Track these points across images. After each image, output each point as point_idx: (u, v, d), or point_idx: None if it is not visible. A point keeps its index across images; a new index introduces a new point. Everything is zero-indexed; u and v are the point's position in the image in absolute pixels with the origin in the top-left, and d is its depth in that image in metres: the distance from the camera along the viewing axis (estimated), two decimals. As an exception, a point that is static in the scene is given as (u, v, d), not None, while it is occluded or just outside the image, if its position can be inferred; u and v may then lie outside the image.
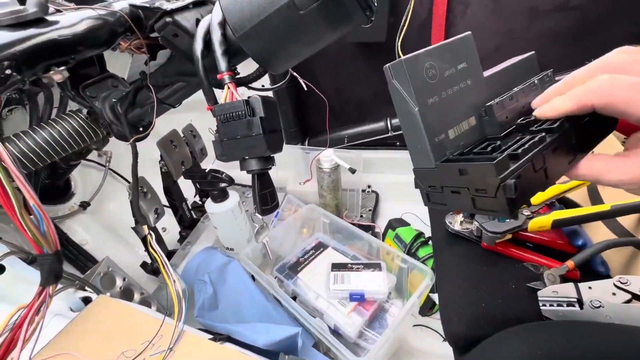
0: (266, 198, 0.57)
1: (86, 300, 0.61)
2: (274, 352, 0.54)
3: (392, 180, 1.26)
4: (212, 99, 0.52)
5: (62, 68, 0.42)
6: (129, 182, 1.17)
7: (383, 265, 0.78)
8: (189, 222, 1.11)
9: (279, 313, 0.70)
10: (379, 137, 1.10)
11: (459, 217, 0.63)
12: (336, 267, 0.78)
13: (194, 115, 1.04)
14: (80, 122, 0.65)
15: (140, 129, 0.69)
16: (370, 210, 1.22)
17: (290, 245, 0.97)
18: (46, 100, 0.74)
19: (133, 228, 0.64)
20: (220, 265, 0.77)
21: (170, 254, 1.00)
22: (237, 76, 0.52)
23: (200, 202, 1.18)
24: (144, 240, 0.82)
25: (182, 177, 0.89)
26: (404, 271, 0.78)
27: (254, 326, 0.57)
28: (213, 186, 0.76)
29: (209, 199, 0.81)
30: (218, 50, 0.49)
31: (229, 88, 0.50)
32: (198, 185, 0.84)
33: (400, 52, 0.96)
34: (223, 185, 0.75)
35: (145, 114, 0.66)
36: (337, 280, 0.75)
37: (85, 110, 0.67)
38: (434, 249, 0.70)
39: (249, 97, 0.50)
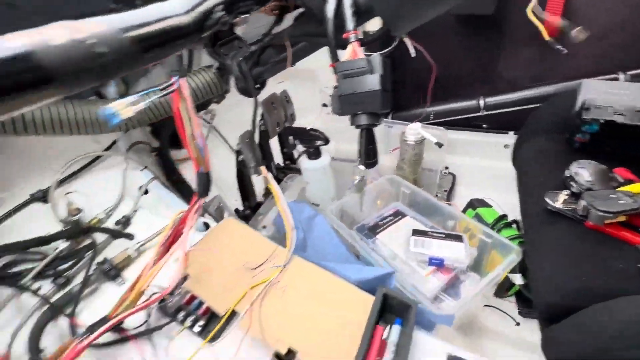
0: (370, 152, 0.63)
1: (206, 225, 0.74)
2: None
3: (472, 164, 1.23)
4: (335, 57, 0.58)
5: (245, 16, 0.50)
6: (226, 140, 1.32)
7: (464, 237, 0.79)
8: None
9: (364, 264, 0.76)
10: (467, 116, 1.07)
11: (562, 196, 0.62)
12: (417, 232, 0.82)
13: (285, 85, 1.13)
14: (213, 75, 0.76)
15: (257, 85, 0.78)
16: (445, 191, 1.21)
17: (364, 213, 1.02)
18: (179, 58, 0.88)
19: (252, 167, 0.74)
20: (308, 216, 0.85)
21: (258, 205, 1.13)
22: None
23: (283, 165, 1.29)
24: (242, 183, 0.94)
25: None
26: (486, 246, 0.78)
27: (345, 265, 0.64)
28: (311, 143, 0.83)
29: (304, 156, 0.89)
30: (348, 10, 0.54)
31: (353, 46, 0.56)
32: (297, 142, 0.91)
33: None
34: (320, 143, 0.82)
35: (264, 72, 0.75)
36: (418, 244, 0.78)
37: (215, 66, 0.78)
38: (525, 225, 0.69)
39: (369, 55, 0.55)
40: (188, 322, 0.50)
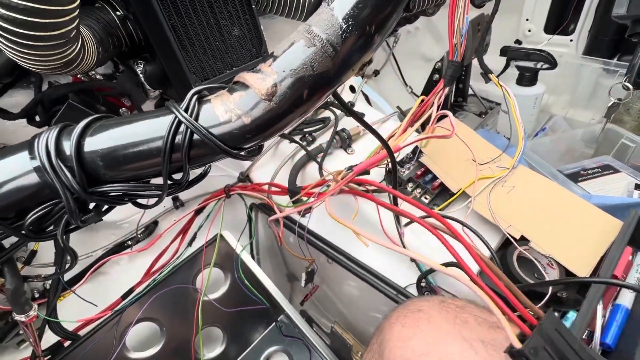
0: (646, 69, 0.54)
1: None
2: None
3: None
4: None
5: None
6: (400, 69, 1.33)
7: None
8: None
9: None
10: None
11: None
12: (642, 188, 0.70)
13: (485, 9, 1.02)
14: None
15: None
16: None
17: (551, 162, 0.92)
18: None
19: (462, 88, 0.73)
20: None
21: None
22: None
23: (456, 102, 1.24)
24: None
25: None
26: None
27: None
28: (529, 64, 0.76)
29: (513, 82, 0.83)
30: None
31: None
32: (515, 64, 0.83)
33: None
34: (544, 66, 0.74)
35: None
36: (643, 199, 0.67)
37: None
38: None
39: None
40: (417, 193, 0.56)
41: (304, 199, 0.59)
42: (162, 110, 0.21)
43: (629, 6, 0.50)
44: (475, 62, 0.87)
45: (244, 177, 0.72)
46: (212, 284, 0.71)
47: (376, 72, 1.20)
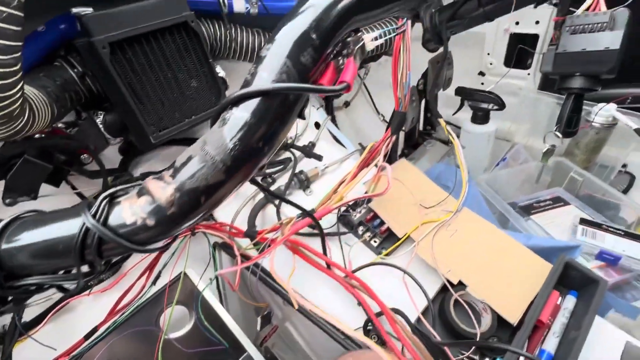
0: (572, 120, 0.58)
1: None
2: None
3: (664, 167, 1.01)
4: (566, 9, 0.54)
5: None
6: (372, 99, 1.38)
7: (654, 240, 0.68)
8: (413, 143, 1.24)
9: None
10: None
11: None
12: (586, 222, 0.74)
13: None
14: (388, 28, 0.80)
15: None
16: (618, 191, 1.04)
17: (509, 193, 0.97)
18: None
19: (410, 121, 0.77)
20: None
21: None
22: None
23: (423, 130, 1.29)
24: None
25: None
26: (682, 258, 0.66)
27: (509, 231, 0.64)
28: (481, 104, 0.81)
29: (467, 119, 0.87)
30: (603, -46, 0.49)
31: (597, -2, 0.51)
32: (469, 103, 0.89)
33: None
34: (494, 107, 0.79)
35: (457, 26, 0.75)
36: (586, 234, 0.72)
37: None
38: None
39: (614, 10, 0.49)
40: (366, 237, 0.59)
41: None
42: (77, 210, 0.23)
43: (554, 65, 0.55)
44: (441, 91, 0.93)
45: (208, 216, 0.74)
46: (177, 322, 0.72)
47: (347, 103, 1.24)
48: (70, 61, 0.54)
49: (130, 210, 0.23)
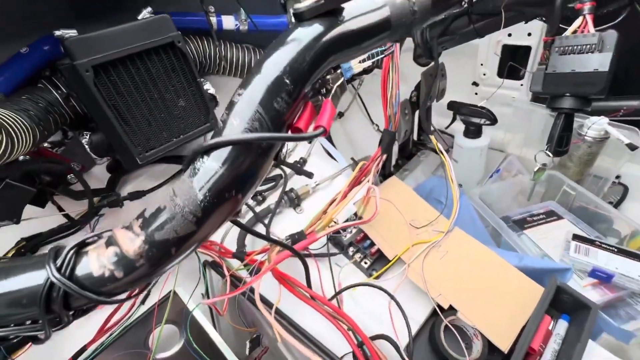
0: (563, 140, 0.58)
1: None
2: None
3: (657, 178, 1.01)
4: (554, 29, 0.54)
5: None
6: (366, 109, 1.37)
7: (647, 258, 0.68)
8: (407, 154, 1.24)
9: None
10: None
11: None
12: (579, 238, 0.74)
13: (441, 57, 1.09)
14: (377, 49, 0.79)
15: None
16: (610, 203, 1.04)
17: (502, 206, 0.96)
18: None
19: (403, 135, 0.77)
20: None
21: (389, 174, 1.17)
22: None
23: (417, 139, 1.28)
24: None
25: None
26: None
27: (500, 250, 0.63)
28: (473, 119, 0.80)
29: (460, 133, 0.87)
30: (591, -24, 0.48)
31: (584, 19, 0.50)
32: (461, 117, 0.88)
33: None
34: (486, 122, 0.79)
35: (448, 42, 0.75)
36: (579, 250, 0.71)
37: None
38: None
39: (602, 31, 0.49)
40: (357, 258, 0.58)
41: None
42: (43, 262, 0.22)
43: (544, 85, 0.55)
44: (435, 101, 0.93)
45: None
46: (167, 341, 0.70)
47: (341, 114, 1.24)
48: (55, 82, 0.53)
49: (98, 262, 0.22)
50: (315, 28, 0.23)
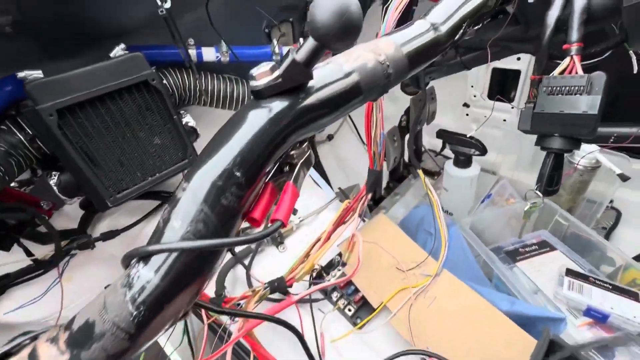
0: (553, 179, 0.56)
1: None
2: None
3: (650, 203, 1.00)
4: (541, 68, 0.52)
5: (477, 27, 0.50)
6: (357, 130, 1.35)
7: (643, 296, 0.65)
8: (398, 176, 1.21)
9: (494, 289, 0.71)
10: (668, 147, 0.86)
11: None
12: (572, 274, 0.71)
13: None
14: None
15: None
16: (604, 228, 1.02)
17: (494, 233, 0.94)
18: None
19: (392, 161, 0.74)
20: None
21: (380, 199, 1.14)
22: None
23: (408, 162, 1.26)
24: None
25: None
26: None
27: (491, 291, 0.61)
28: (463, 149, 0.79)
29: (449, 162, 0.85)
30: (577, 19, 0.47)
31: (572, 60, 0.49)
32: (448, 145, 0.87)
33: None
34: (475, 152, 0.77)
35: (435, 72, 0.73)
36: (573, 287, 0.69)
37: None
38: None
39: (590, 74, 0.47)
40: (341, 304, 0.55)
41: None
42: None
43: (532, 124, 0.53)
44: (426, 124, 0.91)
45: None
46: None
47: (330, 137, 1.21)
48: (20, 123, 0.50)
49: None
50: (273, 108, 0.20)
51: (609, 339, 0.64)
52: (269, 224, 0.21)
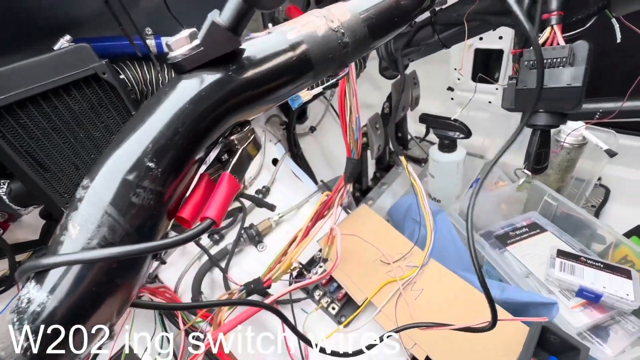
0: (541, 156, 0.54)
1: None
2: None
3: (637, 178, 0.99)
4: (522, 42, 0.49)
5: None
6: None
7: (635, 274, 0.64)
8: (385, 165, 1.18)
9: (485, 275, 0.68)
10: (655, 119, 0.84)
11: None
12: (563, 254, 0.69)
13: (413, 64, 1.04)
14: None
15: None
16: (593, 206, 1.01)
17: (484, 218, 0.92)
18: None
19: (375, 150, 0.71)
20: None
21: (368, 189, 1.11)
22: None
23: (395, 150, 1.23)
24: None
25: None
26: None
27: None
28: (447, 133, 0.76)
29: (434, 147, 0.82)
30: (556, -16, 0.44)
31: (553, 30, 0.46)
32: (432, 130, 0.84)
33: None
34: (460, 135, 0.74)
35: (413, 53, 0.70)
36: (564, 269, 0.67)
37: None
38: None
39: (572, 43, 0.45)
40: (324, 303, 0.52)
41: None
42: None
43: (516, 101, 0.50)
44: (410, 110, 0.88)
45: (152, 278, 0.65)
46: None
47: (312, 128, 1.18)
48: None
49: None
50: (195, 84, 0.17)
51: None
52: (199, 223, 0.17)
